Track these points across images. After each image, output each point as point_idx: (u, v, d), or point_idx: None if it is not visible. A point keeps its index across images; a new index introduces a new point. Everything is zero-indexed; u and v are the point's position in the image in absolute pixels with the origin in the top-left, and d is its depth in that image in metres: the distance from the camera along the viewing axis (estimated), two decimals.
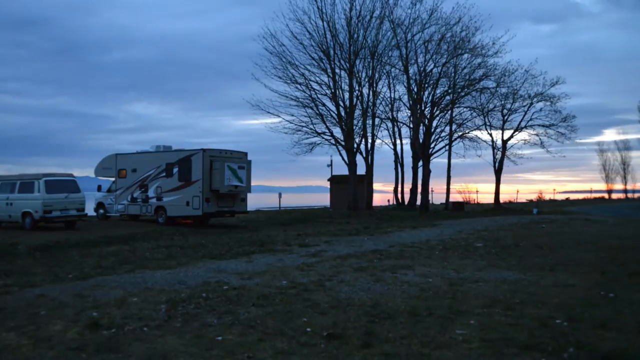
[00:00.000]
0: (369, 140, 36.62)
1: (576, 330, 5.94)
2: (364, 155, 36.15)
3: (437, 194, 50.65)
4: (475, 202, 55.35)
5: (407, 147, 44.72)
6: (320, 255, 12.72)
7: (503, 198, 49.10)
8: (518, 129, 39.84)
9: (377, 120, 37.35)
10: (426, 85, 35.90)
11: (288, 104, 33.96)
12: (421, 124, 36.22)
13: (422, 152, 36.07)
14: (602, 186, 76.42)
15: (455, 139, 38.62)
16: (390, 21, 33.87)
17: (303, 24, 32.55)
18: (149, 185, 23.10)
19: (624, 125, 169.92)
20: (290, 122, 33.99)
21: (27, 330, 6.18)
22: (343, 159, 34.61)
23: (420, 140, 36.09)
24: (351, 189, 33.64)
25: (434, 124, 37.32)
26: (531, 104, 38.91)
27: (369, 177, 37.15)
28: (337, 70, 33.67)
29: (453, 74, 35.55)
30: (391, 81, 37.20)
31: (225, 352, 5.30)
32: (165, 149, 23.79)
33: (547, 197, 66.47)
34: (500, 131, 40.06)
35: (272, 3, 72.30)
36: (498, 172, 40.93)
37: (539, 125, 39.50)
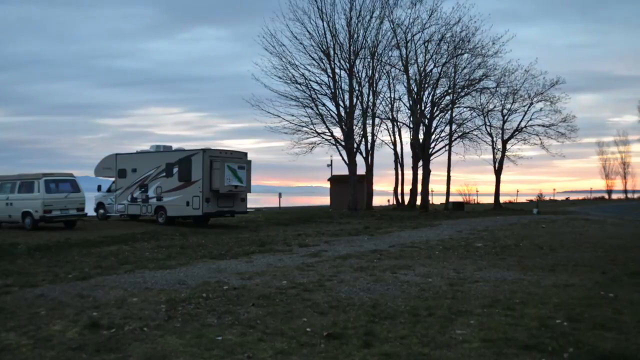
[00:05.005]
0: (369, 140, 36.67)
1: (576, 330, 5.94)
2: (364, 155, 36.17)
3: (437, 194, 50.63)
4: (475, 202, 55.36)
5: (407, 147, 44.72)
6: (320, 255, 12.72)
7: (503, 198, 49.08)
8: (518, 129, 39.87)
9: (377, 120, 37.44)
10: (426, 85, 35.93)
11: (288, 104, 34.01)
12: (421, 124, 36.24)
13: (422, 152, 36.07)
14: (602, 186, 76.48)
15: (455, 139, 38.68)
16: (390, 21, 33.95)
17: (303, 24, 32.60)
18: (149, 185, 23.09)
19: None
20: (290, 122, 34.02)
21: (27, 330, 6.17)
22: (343, 159, 34.61)
23: (420, 140, 36.10)
24: (351, 189, 33.64)
25: (434, 123, 37.40)
26: (531, 104, 38.99)
27: (369, 177, 37.17)
28: (337, 70, 33.69)
29: (453, 74, 35.60)
30: (391, 81, 37.29)
31: (225, 352, 5.30)
32: (165, 149, 23.80)
33: (547, 197, 66.43)
34: (500, 131, 40.12)
35: (272, 3, 72.30)
36: (498, 172, 40.94)
37: (539, 125, 39.57)
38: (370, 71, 34.85)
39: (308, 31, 32.61)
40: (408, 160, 38.51)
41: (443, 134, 38.41)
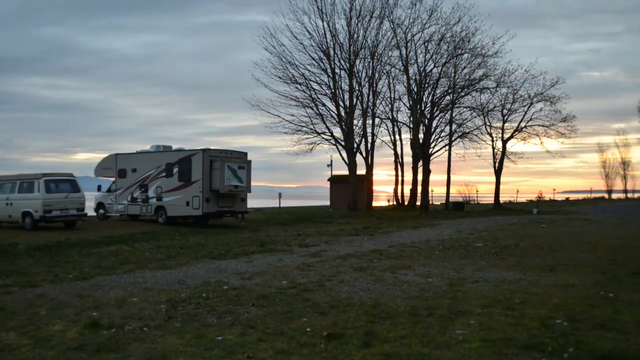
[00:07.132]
0: (369, 140, 36.66)
1: (576, 330, 5.94)
2: (364, 155, 36.15)
3: (437, 195, 50.59)
4: (475, 202, 55.31)
5: (407, 147, 44.66)
6: (320, 255, 12.72)
7: (503, 198, 49.03)
8: (518, 129, 39.87)
9: (377, 120, 37.40)
10: (426, 85, 35.90)
11: (288, 104, 33.99)
12: (421, 124, 36.22)
13: (422, 152, 36.07)
14: (602, 186, 76.41)
15: (455, 139, 38.66)
16: (390, 21, 33.92)
17: (303, 24, 32.60)
18: (149, 185, 23.08)
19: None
20: (290, 122, 34.00)
21: (27, 330, 6.18)
22: (343, 159, 34.60)
23: (420, 140, 36.09)
24: (351, 189, 33.63)
25: (434, 123, 37.35)
26: (531, 103, 38.95)
27: (369, 177, 37.15)
28: (337, 70, 33.67)
29: (453, 74, 35.55)
30: (391, 81, 37.22)
31: (225, 352, 5.30)
32: (165, 149, 23.81)
33: (547, 197, 66.37)
34: (500, 131, 40.12)
35: (272, 3, 72.43)
36: (498, 172, 40.91)
37: (539, 125, 39.56)
38: (370, 71, 34.85)
39: (308, 31, 32.63)
40: (408, 160, 38.53)
41: (443, 134, 38.40)
